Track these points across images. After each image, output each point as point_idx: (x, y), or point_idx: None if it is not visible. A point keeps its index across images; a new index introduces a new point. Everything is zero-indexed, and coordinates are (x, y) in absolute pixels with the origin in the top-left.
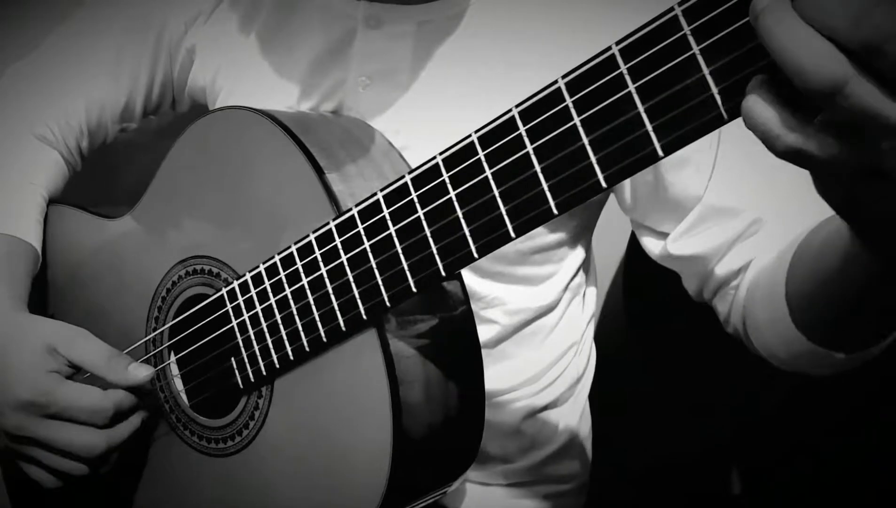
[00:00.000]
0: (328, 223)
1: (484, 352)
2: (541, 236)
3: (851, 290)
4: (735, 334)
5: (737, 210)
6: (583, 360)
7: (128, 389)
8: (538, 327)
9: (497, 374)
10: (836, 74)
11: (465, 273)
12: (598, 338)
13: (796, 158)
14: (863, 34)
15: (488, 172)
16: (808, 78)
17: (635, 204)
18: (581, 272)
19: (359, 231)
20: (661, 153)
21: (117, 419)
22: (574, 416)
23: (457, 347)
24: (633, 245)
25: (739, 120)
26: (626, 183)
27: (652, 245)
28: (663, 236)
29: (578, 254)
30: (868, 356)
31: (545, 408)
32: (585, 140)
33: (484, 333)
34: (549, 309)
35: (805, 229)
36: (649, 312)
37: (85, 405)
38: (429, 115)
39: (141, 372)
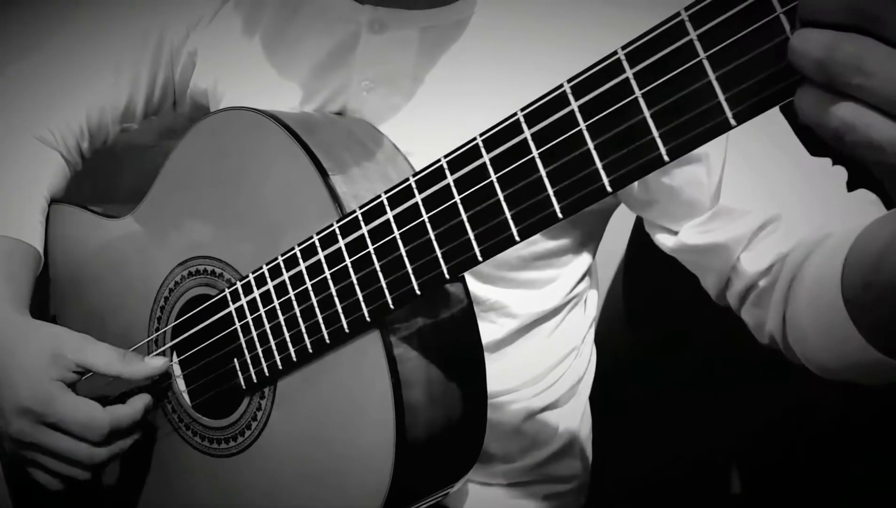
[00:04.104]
0: (332, 225)
1: (485, 354)
2: (543, 242)
3: None
4: (771, 343)
5: (751, 210)
6: (583, 362)
7: (142, 390)
8: (540, 329)
9: (498, 375)
10: (818, 47)
11: (466, 277)
12: (598, 339)
13: (841, 142)
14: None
15: (493, 176)
16: (795, 59)
17: (646, 205)
18: (584, 277)
19: (363, 233)
20: (666, 158)
21: (115, 437)
22: (574, 417)
23: (459, 349)
24: (633, 246)
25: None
26: (634, 184)
27: (665, 239)
28: (676, 233)
29: (583, 260)
30: None
31: (546, 409)
32: (591, 145)
33: (485, 335)
34: (551, 313)
35: (828, 223)
36: (649, 312)
37: (79, 420)
38: (432, 119)
39: (156, 362)
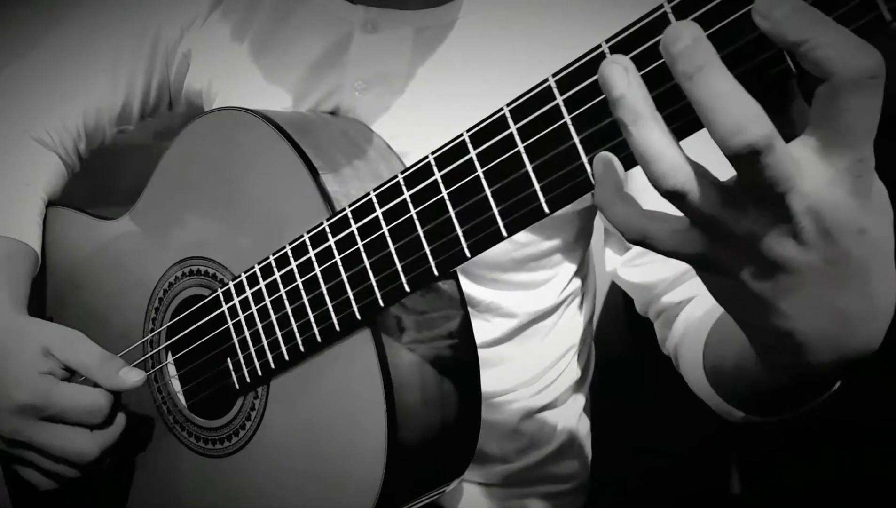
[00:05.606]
0: (322, 223)
1: (481, 353)
2: (535, 243)
3: (750, 381)
4: (668, 355)
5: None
6: (582, 361)
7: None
8: (536, 329)
9: (495, 375)
10: (759, 135)
11: (462, 279)
12: (598, 338)
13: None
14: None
15: (480, 171)
16: (727, 138)
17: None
18: (578, 276)
19: (352, 231)
20: None
21: (111, 419)
22: (573, 416)
23: (452, 348)
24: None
25: None
26: None
27: (609, 261)
28: (618, 257)
29: (575, 259)
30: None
31: (544, 409)
32: (576, 138)
33: (481, 335)
34: (547, 312)
35: None
36: None
37: (81, 405)
38: (425, 119)
39: (132, 377)
